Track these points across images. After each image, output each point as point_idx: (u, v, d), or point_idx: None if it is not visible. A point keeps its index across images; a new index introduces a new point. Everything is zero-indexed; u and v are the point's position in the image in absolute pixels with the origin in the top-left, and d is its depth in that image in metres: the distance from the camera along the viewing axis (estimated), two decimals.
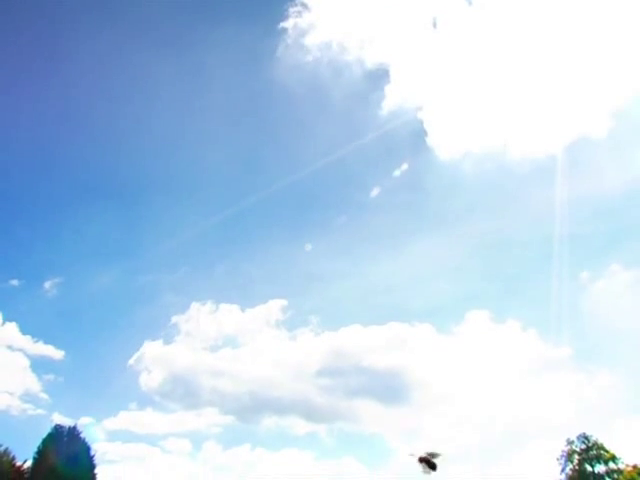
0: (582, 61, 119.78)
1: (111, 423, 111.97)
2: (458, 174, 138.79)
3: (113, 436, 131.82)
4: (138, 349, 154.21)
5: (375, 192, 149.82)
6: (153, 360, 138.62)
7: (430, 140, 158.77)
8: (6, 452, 67.42)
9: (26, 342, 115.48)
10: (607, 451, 61.27)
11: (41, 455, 60.82)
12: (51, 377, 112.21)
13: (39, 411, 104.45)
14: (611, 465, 61.25)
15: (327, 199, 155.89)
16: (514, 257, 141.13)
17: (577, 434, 63.23)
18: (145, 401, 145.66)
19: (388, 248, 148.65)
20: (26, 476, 61.08)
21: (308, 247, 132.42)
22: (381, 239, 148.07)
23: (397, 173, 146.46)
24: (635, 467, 60.31)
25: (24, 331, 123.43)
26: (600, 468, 61.52)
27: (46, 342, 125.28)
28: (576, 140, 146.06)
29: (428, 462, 7.78)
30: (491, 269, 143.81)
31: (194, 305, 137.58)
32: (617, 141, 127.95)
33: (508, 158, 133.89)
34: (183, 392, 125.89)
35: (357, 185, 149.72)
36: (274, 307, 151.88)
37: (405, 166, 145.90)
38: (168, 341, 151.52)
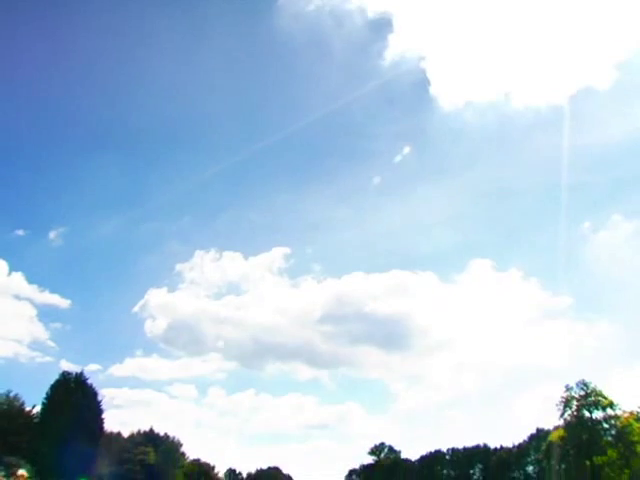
0: (588, 13, 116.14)
1: (117, 370, 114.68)
2: (460, 123, 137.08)
3: (120, 382, 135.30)
4: (143, 297, 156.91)
5: (378, 141, 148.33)
6: (157, 307, 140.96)
7: (433, 90, 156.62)
8: (16, 398, 69.01)
9: (32, 291, 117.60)
10: (605, 398, 61.27)
11: (49, 401, 62.11)
12: (58, 325, 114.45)
13: (47, 358, 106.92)
14: (609, 411, 61.28)
15: (329, 148, 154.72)
16: (516, 206, 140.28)
17: (576, 381, 63.47)
18: (150, 348, 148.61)
19: (390, 196, 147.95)
20: (35, 421, 62.51)
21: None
22: (383, 187, 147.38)
23: (400, 123, 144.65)
24: (632, 413, 60.39)
25: (30, 281, 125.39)
26: (598, 414, 61.66)
27: (52, 291, 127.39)
28: (580, 91, 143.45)
29: None
30: (493, 218, 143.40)
31: (198, 253, 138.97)
32: (621, 92, 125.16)
33: (511, 108, 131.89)
34: (187, 339, 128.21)
35: (359, 134, 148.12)
36: (277, 255, 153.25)
37: (408, 116, 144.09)
38: (172, 289, 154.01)
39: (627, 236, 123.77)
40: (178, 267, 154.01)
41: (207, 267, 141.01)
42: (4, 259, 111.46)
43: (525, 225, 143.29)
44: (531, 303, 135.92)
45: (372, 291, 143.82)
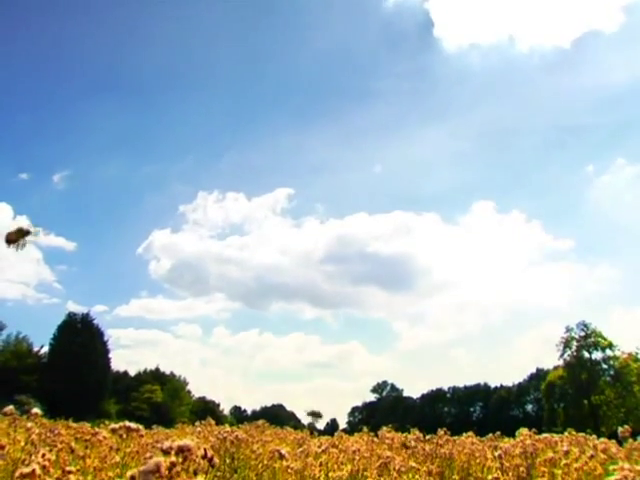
0: None
1: (123, 310, 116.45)
2: (464, 65, 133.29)
3: (126, 323, 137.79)
4: (146, 238, 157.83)
5: (381, 82, 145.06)
6: (161, 249, 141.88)
7: (436, 31, 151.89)
8: (24, 339, 70.48)
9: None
10: (604, 339, 61.86)
11: (57, 341, 63.25)
12: (64, 268, 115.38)
13: (54, 300, 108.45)
14: (608, 352, 62.18)
15: (332, 89, 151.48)
16: (520, 148, 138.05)
17: (576, 322, 63.98)
18: (155, 288, 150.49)
19: (394, 137, 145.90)
20: (44, 361, 63.89)
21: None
22: (387, 128, 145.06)
23: (403, 64, 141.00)
24: (630, 354, 61.11)
25: (35, 224, 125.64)
26: (597, 355, 62.56)
27: (57, 234, 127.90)
28: (585, 34, 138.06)
29: None
30: (496, 160, 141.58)
31: (201, 194, 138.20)
32: (628, 36, 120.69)
33: (515, 50, 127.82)
34: (192, 279, 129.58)
35: (363, 75, 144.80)
36: (280, 195, 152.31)
37: (411, 57, 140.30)
38: (176, 230, 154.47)
39: (630, 180, 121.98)
40: (181, 208, 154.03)
41: (210, 208, 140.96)
42: (8, 203, 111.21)
43: (528, 167, 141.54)
44: (533, 245, 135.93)
45: (375, 232, 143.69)
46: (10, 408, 6.18)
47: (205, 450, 2.81)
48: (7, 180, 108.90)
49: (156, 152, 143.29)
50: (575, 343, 62.78)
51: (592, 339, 61.97)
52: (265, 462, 8.85)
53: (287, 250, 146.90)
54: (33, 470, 3.45)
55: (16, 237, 5.38)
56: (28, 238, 5.42)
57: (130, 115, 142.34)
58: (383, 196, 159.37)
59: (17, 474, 3.50)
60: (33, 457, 4.90)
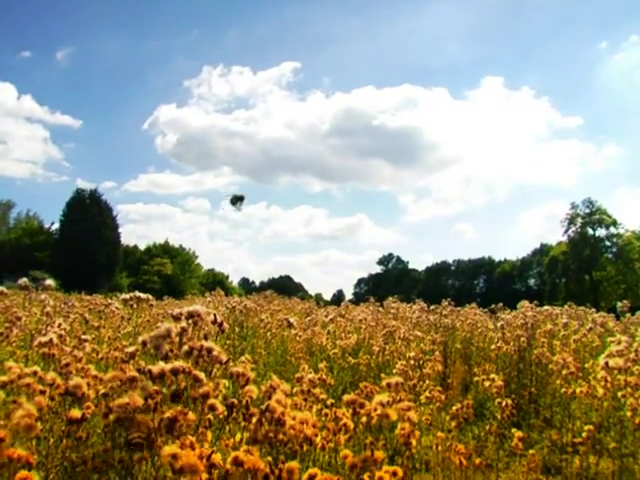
0: None
1: (132, 186, 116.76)
2: None
3: (135, 198, 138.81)
4: (152, 114, 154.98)
5: None
6: (167, 124, 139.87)
7: None
8: (35, 216, 71.53)
9: (44, 113, 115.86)
10: (609, 216, 62.03)
11: (66, 217, 63.92)
12: (71, 146, 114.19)
13: (63, 178, 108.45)
14: (612, 230, 62.63)
15: None
16: (532, 23, 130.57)
17: (582, 199, 63.99)
18: (162, 164, 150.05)
19: (404, 8, 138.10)
20: (55, 237, 65.11)
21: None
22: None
23: None
24: (634, 232, 61.67)
25: (41, 103, 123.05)
26: (601, 232, 63.07)
27: (63, 112, 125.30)
28: None
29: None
30: (508, 34, 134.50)
31: (206, 68, 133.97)
32: None
33: None
34: (198, 153, 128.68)
35: None
36: (286, 69, 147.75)
37: None
38: (181, 105, 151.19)
39: None
40: (186, 83, 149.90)
41: (215, 82, 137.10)
42: (12, 82, 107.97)
43: (540, 42, 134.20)
44: (541, 122, 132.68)
45: (382, 105, 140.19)
46: (24, 280, 6.28)
47: (215, 315, 2.83)
48: (9, 59, 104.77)
49: (160, 27, 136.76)
50: (580, 220, 63.09)
51: (597, 216, 62.15)
52: (274, 330, 9.18)
53: (293, 124, 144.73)
54: (50, 339, 3.52)
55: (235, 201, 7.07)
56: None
57: None
58: (391, 69, 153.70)
59: (35, 343, 3.58)
60: (49, 327, 5.01)
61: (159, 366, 2.37)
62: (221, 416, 2.52)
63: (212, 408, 2.41)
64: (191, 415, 2.39)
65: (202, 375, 2.42)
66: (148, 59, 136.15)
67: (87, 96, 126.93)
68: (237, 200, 7.37)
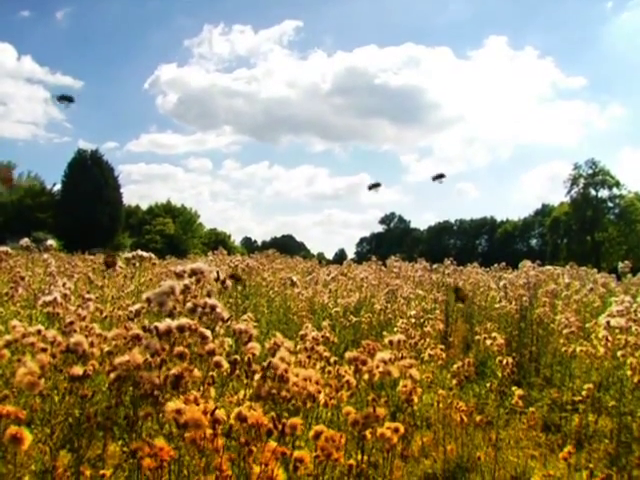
0: None
1: (134, 146, 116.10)
2: None
3: (137, 158, 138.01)
4: (152, 73, 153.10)
5: None
6: (168, 83, 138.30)
7: None
8: (36, 177, 71.24)
9: (44, 74, 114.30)
10: (612, 177, 61.58)
11: (68, 178, 63.71)
12: (73, 106, 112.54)
13: (65, 139, 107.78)
14: (614, 191, 62.24)
15: None
16: None
17: (585, 160, 63.45)
18: (164, 123, 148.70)
19: None
20: (57, 198, 65.00)
21: None
22: None
23: None
24: (637, 194, 61.35)
25: (41, 63, 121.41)
26: (604, 193, 62.69)
27: (64, 73, 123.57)
28: None
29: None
30: None
31: (206, 27, 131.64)
32: None
33: None
34: (199, 113, 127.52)
35: None
36: (287, 27, 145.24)
37: None
38: (182, 64, 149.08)
39: None
40: (187, 42, 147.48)
41: (216, 41, 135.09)
42: (11, 43, 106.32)
43: (544, 1, 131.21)
44: (544, 82, 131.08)
45: (385, 64, 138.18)
46: (26, 240, 6.28)
47: (217, 272, 2.82)
48: (7, 18, 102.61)
49: None
50: (582, 180, 62.64)
51: (600, 177, 61.70)
52: (276, 289, 9.22)
53: (295, 83, 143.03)
54: (55, 298, 3.53)
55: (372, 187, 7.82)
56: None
57: None
58: (394, 28, 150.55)
59: (40, 302, 3.59)
60: (53, 287, 5.02)
61: (166, 323, 2.37)
62: (224, 373, 2.54)
63: (218, 365, 2.43)
64: (197, 372, 2.40)
65: (208, 332, 2.42)
66: (148, 18, 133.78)
67: (88, 56, 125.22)
68: (374, 186, 7.93)
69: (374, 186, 7.99)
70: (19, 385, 2.35)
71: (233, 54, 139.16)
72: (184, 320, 2.40)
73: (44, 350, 2.74)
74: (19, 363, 2.63)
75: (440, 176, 7.56)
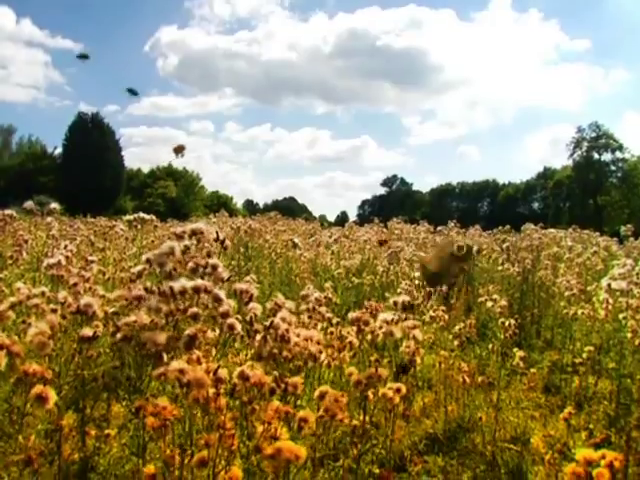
0: None
1: (135, 109, 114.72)
2: None
3: (138, 121, 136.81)
4: (153, 35, 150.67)
5: None
6: (168, 45, 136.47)
7: None
8: (37, 141, 70.81)
9: (44, 37, 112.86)
10: (615, 141, 61.04)
11: (69, 142, 63.37)
12: (73, 70, 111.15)
13: (65, 102, 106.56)
14: (617, 154, 61.80)
15: None
16: None
17: (588, 123, 62.77)
18: (165, 86, 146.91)
19: None
20: (58, 162, 64.75)
21: None
22: None
23: None
24: (639, 157, 61.05)
25: (40, 27, 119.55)
26: (607, 156, 62.23)
27: (64, 36, 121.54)
28: None
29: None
30: None
31: None
32: None
33: None
34: (200, 75, 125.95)
35: None
36: None
37: None
38: (182, 26, 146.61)
39: None
40: (187, 4, 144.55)
41: (216, 3, 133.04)
42: (10, 6, 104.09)
43: None
44: (548, 45, 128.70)
45: (387, 26, 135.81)
46: (29, 203, 6.26)
47: (217, 233, 2.81)
48: None
49: None
50: (585, 144, 62.11)
51: (603, 140, 61.14)
52: (278, 251, 9.23)
53: (296, 45, 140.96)
54: (58, 260, 3.53)
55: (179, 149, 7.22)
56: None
57: None
58: None
59: (44, 265, 3.59)
60: (56, 250, 5.02)
61: (180, 283, 2.36)
62: (227, 334, 2.54)
63: (231, 327, 2.41)
64: (210, 333, 2.41)
65: (223, 294, 2.41)
66: None
67: (87, 19, 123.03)
68: (82, 57, 7.11)
69: (82, 56, 7.70)
70: (28, 345, 2.36)
71: (234, 16, 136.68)
72: (200, 281, 2.39)
73: (54, 311, 2.76)
74: (25, 325, 2.65)
75: (83, 56, 7.10)
